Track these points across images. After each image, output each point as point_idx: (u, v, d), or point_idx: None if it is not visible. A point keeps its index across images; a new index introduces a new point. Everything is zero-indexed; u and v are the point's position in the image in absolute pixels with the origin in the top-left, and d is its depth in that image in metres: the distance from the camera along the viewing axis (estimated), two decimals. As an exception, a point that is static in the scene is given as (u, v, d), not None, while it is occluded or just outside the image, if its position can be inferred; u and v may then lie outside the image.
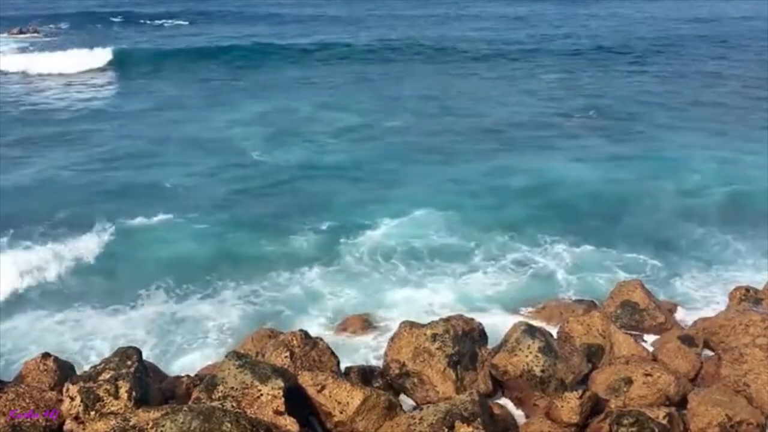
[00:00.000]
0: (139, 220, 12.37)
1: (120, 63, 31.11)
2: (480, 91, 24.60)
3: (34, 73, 29.53)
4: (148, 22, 50.50)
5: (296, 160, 16.09)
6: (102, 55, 31.43)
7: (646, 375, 7.02)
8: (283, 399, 6.23)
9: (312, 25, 44.84)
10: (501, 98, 23.02)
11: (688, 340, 7.89)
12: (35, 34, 43.15)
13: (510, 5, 59.03)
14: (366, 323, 9.04)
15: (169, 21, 50.88)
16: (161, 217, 12.52)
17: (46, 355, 7.26)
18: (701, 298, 9.71)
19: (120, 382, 6.36)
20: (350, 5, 60.64)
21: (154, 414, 5.80)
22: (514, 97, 23.18)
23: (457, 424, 5.88)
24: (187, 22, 49.34)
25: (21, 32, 43.45)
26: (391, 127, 18.97)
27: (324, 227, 12.16)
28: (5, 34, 43.02)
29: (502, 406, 7.14)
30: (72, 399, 6.27)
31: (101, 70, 30.38)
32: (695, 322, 8.71)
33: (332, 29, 42.33)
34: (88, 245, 11.33)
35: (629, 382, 7.00)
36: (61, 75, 29.10)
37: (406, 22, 47.03)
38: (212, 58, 32.03)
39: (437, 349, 7.29)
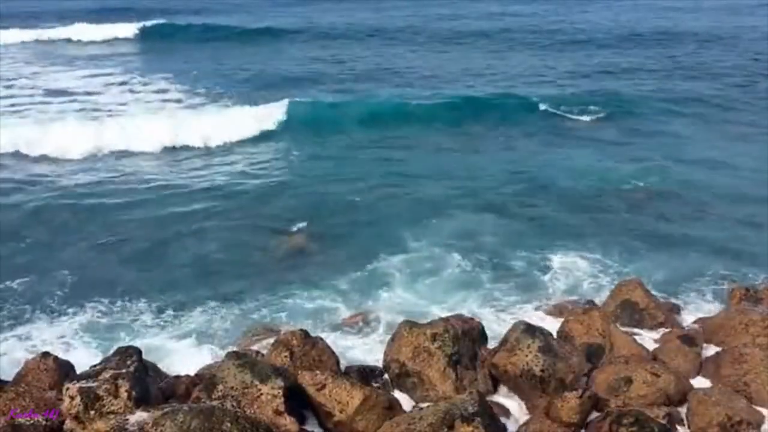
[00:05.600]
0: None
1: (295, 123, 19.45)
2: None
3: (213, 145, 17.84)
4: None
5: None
6: (270, 112, 19.71)
7: (646, 374, 7.02)
8: (282, 398, 6.24)
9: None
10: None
11: (688, 339, 7.89)
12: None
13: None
14: (365, 323, 9.04)
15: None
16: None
17: (45, 355, 7.26)
18: (701, 297, 9.71)
19: (120, 382, 6.36)
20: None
21: (154, 413, 5.80)
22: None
23: (457, 423, 5.89)
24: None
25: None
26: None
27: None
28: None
29: (501, 406, 7.14)
30: (72, 398, 6.26)
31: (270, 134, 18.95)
32: (695, 322, 8.73)
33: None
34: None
35: (629, 381, 7.01)
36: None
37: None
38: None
39: (437, 348, 7.29)
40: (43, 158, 16.78)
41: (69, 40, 37.96)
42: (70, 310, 9.44)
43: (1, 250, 11.36)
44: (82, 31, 39.18)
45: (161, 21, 42.00)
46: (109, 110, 21.22)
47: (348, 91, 23.87)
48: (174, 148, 17.72)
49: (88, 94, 23.74)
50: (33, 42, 37.58)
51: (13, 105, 22.10)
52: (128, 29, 39.74)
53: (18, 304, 9.63)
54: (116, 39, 38.41)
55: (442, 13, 46.76)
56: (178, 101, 22.60)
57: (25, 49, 35.34)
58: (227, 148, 17.95)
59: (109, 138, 17.61)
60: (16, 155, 16.92)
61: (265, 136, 18.86)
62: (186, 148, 17.81)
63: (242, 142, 18.37)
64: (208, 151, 17.72)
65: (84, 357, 8.10)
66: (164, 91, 24.06)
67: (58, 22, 42.17)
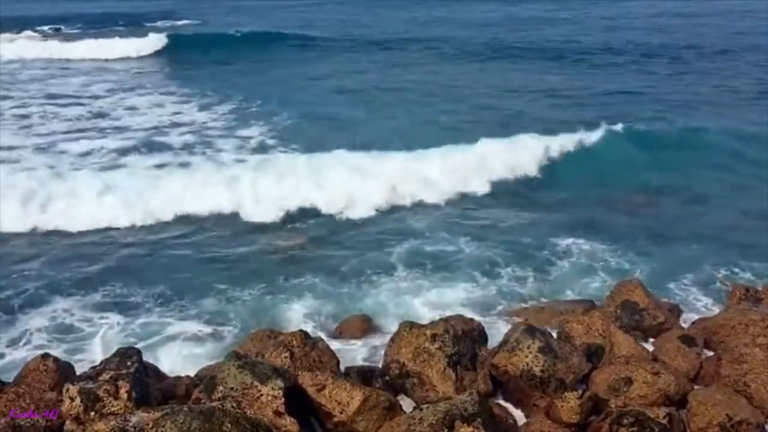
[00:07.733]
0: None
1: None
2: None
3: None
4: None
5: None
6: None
7: (647, 375, 7.01)
8: (283, 399, 6.24)
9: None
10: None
11: (688, 340, 7.89)
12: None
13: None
14: (366, 324, 9.03)
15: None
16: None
17: (46, 356, 7.26)
18: (701, 297, 9.71)
19: (120, 383, 6.36)
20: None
21: (154, 414, 5.79)
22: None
23: (457, 424, 5.88)
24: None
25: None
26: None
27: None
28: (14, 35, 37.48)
29: (502, 406, 7.14)
30: (72, 399, 6.26)
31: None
32: (695, 322, 8.73)
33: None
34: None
35: (629, 381, 7.00)
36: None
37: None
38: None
39: (437, 349, 7.29)
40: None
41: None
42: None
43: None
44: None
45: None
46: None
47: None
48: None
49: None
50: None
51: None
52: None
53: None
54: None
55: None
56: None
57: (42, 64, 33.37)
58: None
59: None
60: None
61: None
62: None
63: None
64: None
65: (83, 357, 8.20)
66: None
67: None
